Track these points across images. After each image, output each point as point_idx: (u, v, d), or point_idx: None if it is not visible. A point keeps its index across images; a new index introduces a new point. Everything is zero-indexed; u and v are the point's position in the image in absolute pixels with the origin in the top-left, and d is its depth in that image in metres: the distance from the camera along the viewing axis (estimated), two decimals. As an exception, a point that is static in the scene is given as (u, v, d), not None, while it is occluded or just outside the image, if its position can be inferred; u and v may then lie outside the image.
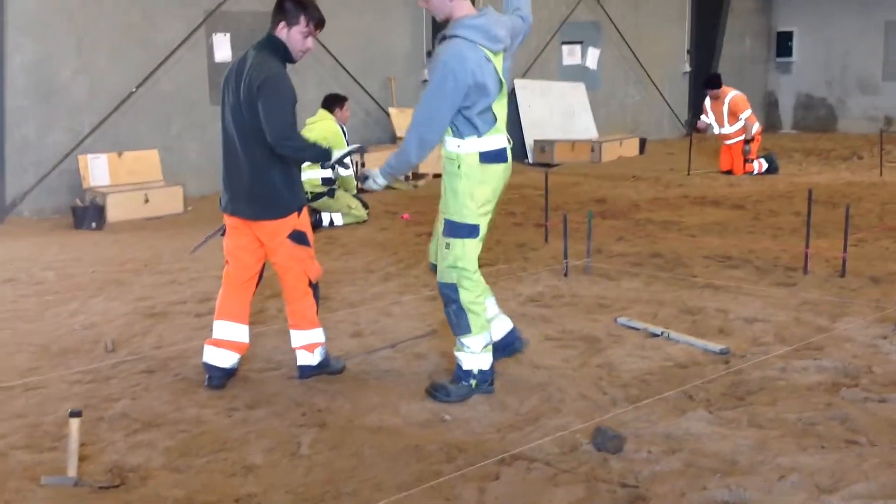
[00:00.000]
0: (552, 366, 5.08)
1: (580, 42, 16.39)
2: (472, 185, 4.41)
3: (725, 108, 12.93)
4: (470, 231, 4.45)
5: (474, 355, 4.58)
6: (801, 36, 19.61)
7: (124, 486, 3.68)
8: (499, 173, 4.48)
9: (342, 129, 9.65)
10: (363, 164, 11.52)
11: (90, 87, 10.67)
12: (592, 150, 14.92)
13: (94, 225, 9.65)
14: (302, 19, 4.60)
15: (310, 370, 4.91)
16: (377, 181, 4.61)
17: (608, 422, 4.22)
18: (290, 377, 4.95)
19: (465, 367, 4.59)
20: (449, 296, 4.52)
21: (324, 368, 4.94)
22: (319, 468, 3.86)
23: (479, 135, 4.37)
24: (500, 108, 4.45)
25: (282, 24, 4.62)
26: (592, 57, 16.55)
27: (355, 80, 12.59)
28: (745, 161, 12.97)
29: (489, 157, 4.41)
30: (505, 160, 4.49)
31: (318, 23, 4.67)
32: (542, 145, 14.60)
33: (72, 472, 3.66)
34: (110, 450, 4.03)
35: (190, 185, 11.01)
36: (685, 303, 6.31)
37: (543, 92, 15.36)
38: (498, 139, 4.44)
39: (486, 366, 4.61)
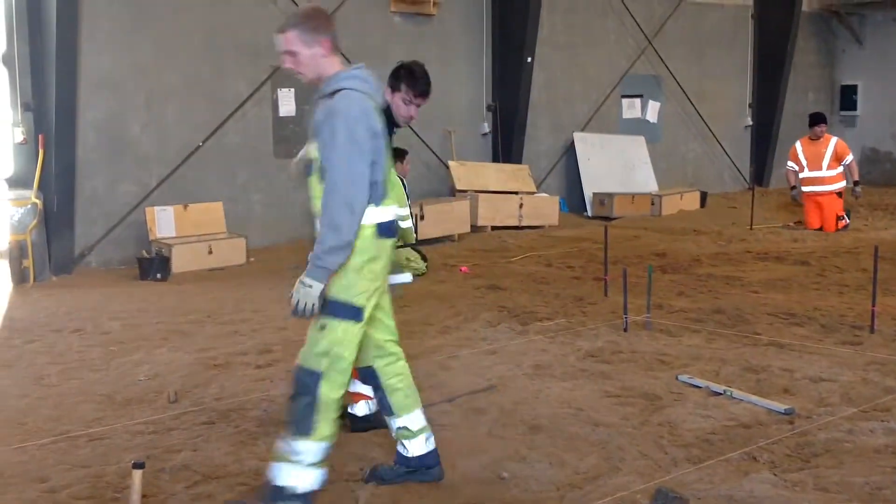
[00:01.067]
0: (612, 423, 5.02)
1: (640, 95, 16.41)
2: (364, 260, 3.78)
3: (829, 151, 12.62)
4: (355, 314, 3.79)
5: (301, 469, 3.74)
6: (866, 89, 19.38)
7: (184, 538, 3.72)
8: (389, 247, 3.91)
9: (402, 181, 9.74)
10: (422, 217, 11.64)
11: (158, 141, 10.96)
12: (652, 204, 14.85)
13: (159, 276, 9.84)
14: (403, 86, 4.74)
15: (352, 419, 4.98)
16: (309, 291, 3.66)
17: (669, 483, 4.15)
18: (347, 432, 4.96)
19: (281, 483, 3.74)
20: (306, 385, 3.74)
21: (369, 423, 4.98)
22: (376, 524, 3.85)
23: (377, 203, 3.82)
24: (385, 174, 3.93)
25: (387, 88, 4.78)
26: (653, 110, 16.55)
27: (415, 133, 12.75)
28: (838, 218, 12.60)
29: (384, 230, 3.84)
30: (396, 234, 3.97)
31: (420, 93, 4.76)
32: (602, 198, 14.58)
33: (132, 523, 3.70)
34: (171, 501, 4.07)
35: (253, 237, 11.20)
36: (748, 361, 6.20)
37: (603, 145, 15.38)
38: (392, 209, 3.90)
39: (309, 485, 3.76)
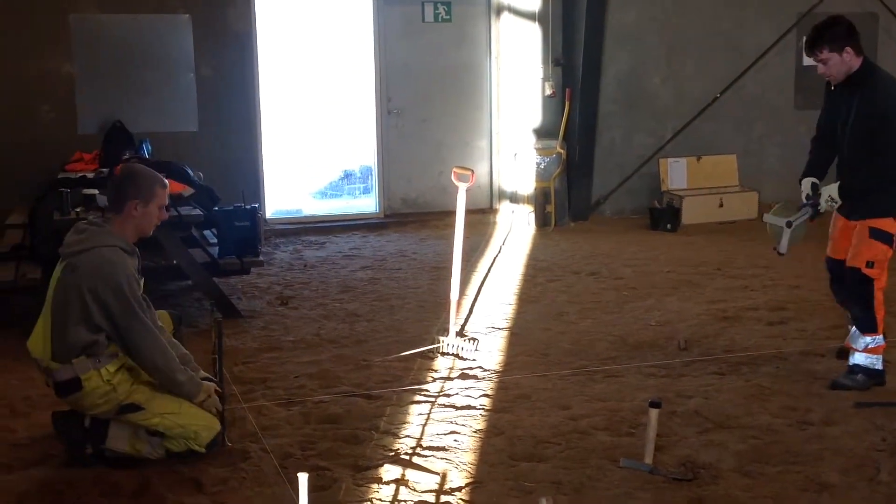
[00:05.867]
0: None
1: None
2: None
3: None
4: None
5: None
6: None
7: (696, 481, 3.77)
8: None
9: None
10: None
11: (676, 93, 11.04)
12: None
13: (668, 226, 9.99)
14: None
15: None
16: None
17: None
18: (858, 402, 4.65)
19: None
20: None
21: None
22: (901, 500, 3.58)
23: None
24: None
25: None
26: None
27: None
28: None
29: None
30: None
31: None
32: None
33: (648, 459, 3.84)
34: (683, 444, 4.15)
35: (766, 191, 10.85)
36: None
37: None
38: None
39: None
